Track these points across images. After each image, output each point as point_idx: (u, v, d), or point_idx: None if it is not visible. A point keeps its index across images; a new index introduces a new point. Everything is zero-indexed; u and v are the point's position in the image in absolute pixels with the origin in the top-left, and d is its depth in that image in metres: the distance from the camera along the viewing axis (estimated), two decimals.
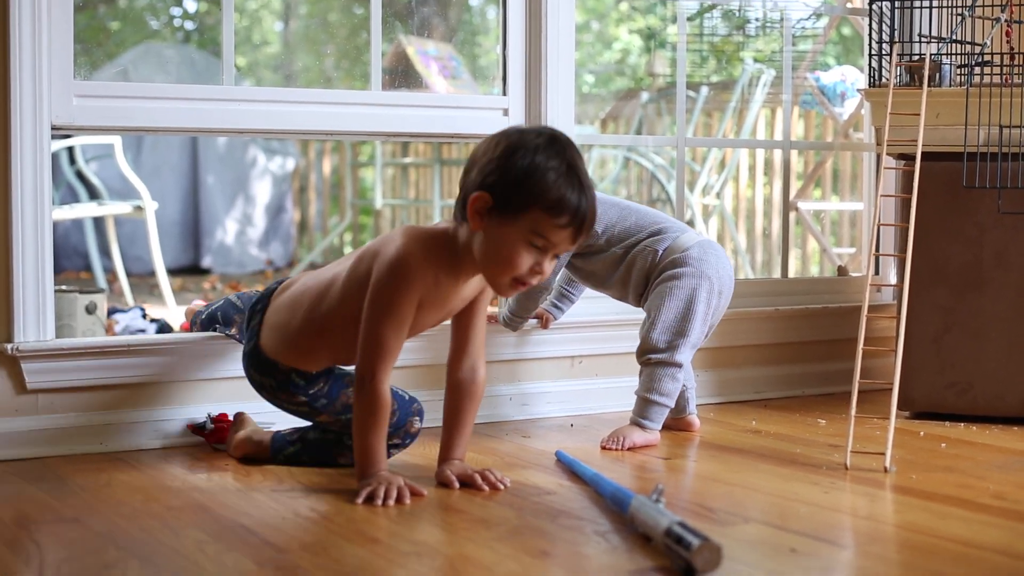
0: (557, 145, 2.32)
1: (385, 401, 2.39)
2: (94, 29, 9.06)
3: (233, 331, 2.89)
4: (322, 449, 2.68)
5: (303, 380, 2.60)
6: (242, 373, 2.96)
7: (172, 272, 7.38)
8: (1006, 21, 3.23)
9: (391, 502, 2.33)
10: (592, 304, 3.36)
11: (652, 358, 2.96)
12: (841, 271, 4.04)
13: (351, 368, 2.58)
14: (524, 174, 2.28)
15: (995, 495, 2.45)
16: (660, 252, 3.01)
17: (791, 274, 4.16)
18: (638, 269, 3.03)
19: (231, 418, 2.87)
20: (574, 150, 2.35)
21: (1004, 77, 3.19)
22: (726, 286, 3.03)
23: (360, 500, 2.34)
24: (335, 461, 2.68)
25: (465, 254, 2.40)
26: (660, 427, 2.97)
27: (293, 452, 2.70)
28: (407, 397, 2.68)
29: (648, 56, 8.47)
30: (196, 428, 2.89)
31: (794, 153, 6.29)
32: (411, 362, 3.11)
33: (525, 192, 2.28)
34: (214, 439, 2.86)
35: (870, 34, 3.32)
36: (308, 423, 2.71)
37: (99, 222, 6.52)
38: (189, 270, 8.36)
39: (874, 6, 3.31)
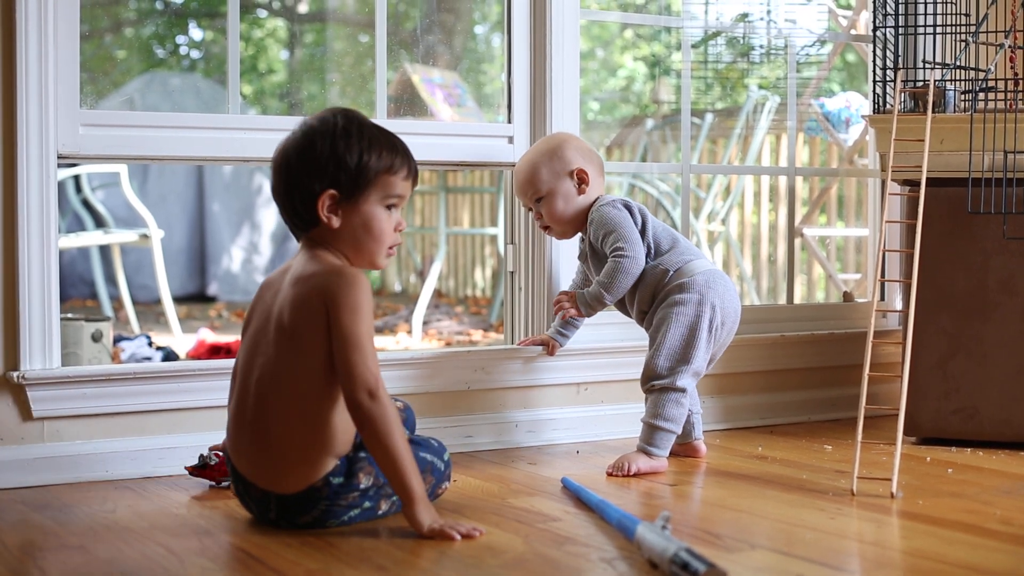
0: (353, 118, 2.45)
1: (391, 412, 2.32)
2: (100, 58, 9.09)
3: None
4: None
5: (339, 476, 2.38)
6: None
7: (178, 300, 7.40)
8: (1010, 47, 3.24)
9: (459, 537, 2.27)
10: (597, 331, 3.37)
11: (655, 384, 2.96)
12: (847, 297, 4.04)
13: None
14: (354, 158, 2.40)
15: (1002, 520, 2.45)
16: (671, 272, 3.01)
17: (797, 300, 4.16)
18: (646, 284, 3.03)
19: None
20: (361, 115, 2.49)
21: (1008, 103, 3.19)
22: (730, 318, 3.03)
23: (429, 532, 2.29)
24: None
25: (337, 253, 2.45)
26: (667, 454, 2.97)
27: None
28: (440, 466, 2.58)
29: (653, 83, 8.49)
30: (196, 469, 2.77)
31: (799, 179, 6.29)
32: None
33: (365, 171, 2.41)
34: (219, 474, 2.75)
35: (874, 60, 3.33)
36: None
37: (105, 250, 6.53)
38: (195, 298, 8.37)
39: (878, 32, 3.32)
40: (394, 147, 2.45)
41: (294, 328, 2.36)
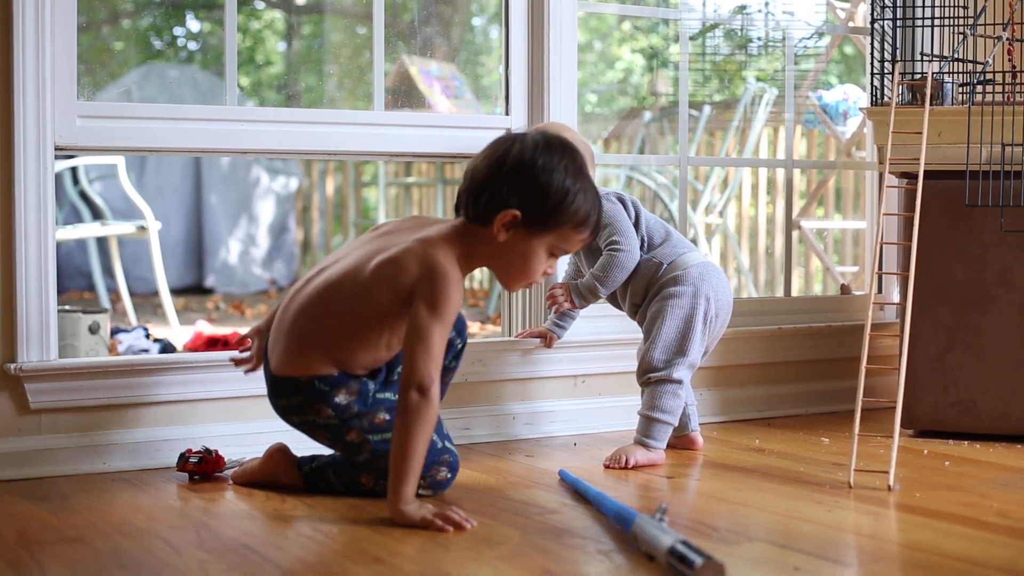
0: (577, 162, 2.50)
1: (433, 414, 2.39)
2: (97, 49, 9.08)
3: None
4: (347, 466, 2.61)
5: (327, 385, 2.53)
6: (245, 393, 2.97)
7: (175, 292, 7.39)
8: (1008, 40, 3.24)
9: (451, 528, 2.30)
10: (594, 324, 3.37)
11: (652, 377, 2.96)
12: (844, 290, 4.04)
13: (386, 394, 2.56)
14: (556, 197, 2.45)
15: (999, 513, 2.45)
16: (665, 265, 3.02)
17: (794, 293, 4.17)
18: (640, 277, 3.04)
19: (213, 454, 2.79)
20: (583, 160, 2.52)
21: (1006, 95, 3.19)
22: (723, 310, 3.04)
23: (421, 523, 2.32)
24: (357, 481, 2.60)
25: (472, 256, 2.51)
26: (664, 446, 2.97)
27: (318, 466, 2.64)
28: (439, 444, 2.61)
29: (650, 75, 8.48)
30: (196, 466, 2.77)
31: (796, 172, 6.29)
32: None
33: (557, 213, 2.46)
34: (211, 467, 2.76)
35: (872, 53, 3.33)
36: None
37: (102, 242, 6.53)
38: (192, 290, 8.37)
39: (876, 25, 3.32)
40: (592, 208, 2.50)
41: (388, 270, 2.46)
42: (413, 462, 2.36)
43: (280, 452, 2.70)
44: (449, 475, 2.60)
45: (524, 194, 2.44)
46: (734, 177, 6.39)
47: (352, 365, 2.54)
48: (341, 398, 2.53)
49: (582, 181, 2.48)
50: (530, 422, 3.30)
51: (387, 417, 2.54)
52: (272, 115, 3.12)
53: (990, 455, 3.05)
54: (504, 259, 2.51)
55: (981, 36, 3.29)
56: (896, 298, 3.88)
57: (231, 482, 2.72)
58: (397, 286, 2.44)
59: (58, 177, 6.23)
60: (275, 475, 2.68)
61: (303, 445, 2.70)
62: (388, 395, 2.57)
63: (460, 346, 2.76)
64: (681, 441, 3.13)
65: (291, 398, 2.55)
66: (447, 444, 2.60)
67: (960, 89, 3.24)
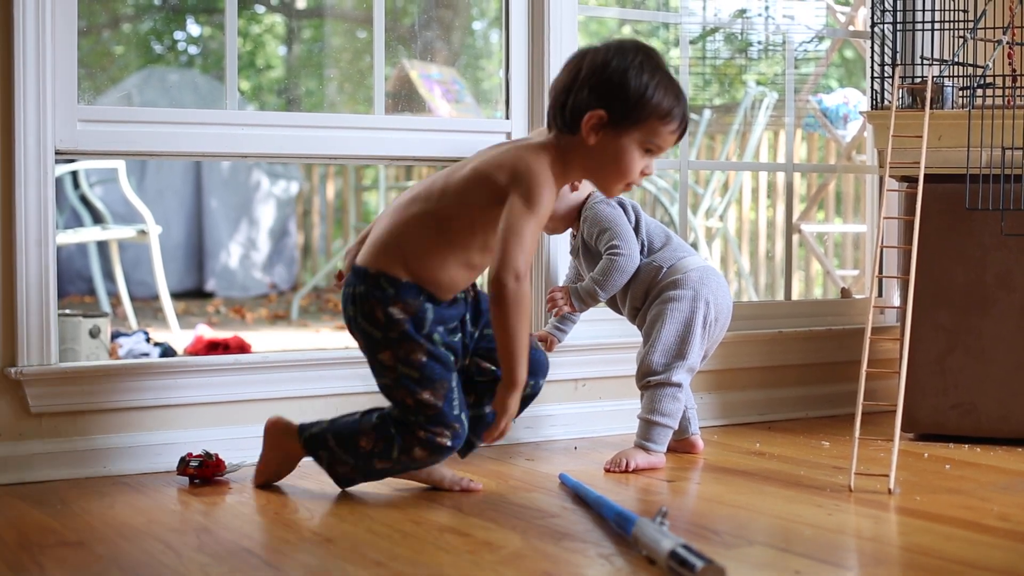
0: (654, 59, 2.54)
1: (526, 311, 2.44)
2: (98, 53, 9.08)
3: None
4: (348, 428, 2.61)
5: (392, 287, 2.53)
6: (246, 397, 2.98)
7: (176, 296, 7.39)
8: (1008, 43, 3.24)
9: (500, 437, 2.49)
10: (594, 327, 3.37)
11: (651, 380, 2.96)
12: (844, 293, 4.04)
13: (435, 333, 2.56)
14: (636, 92, 2.49)
15: (999, 516, 2.45)
16: (664, 269, 3.02)
17: (794, 296, 4.17)
18: (640, 281, 3.04)
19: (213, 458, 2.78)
20: (660, 58, 2.57)
21: (1006, 99, 3.19)
22: (723, 314, 3.04)
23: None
24: (356, 445, 2.59)
25: (569, 166, 2.55)
26: (664, 449, 2.97)
27: (319, 431, 2.65)
28: (455, 412, 2.60)
29: None
30: (196, 469, 2.77)
31: (797, 175, 6.30)
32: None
33: (640, 107, 2.50)
34: (211, 471, 2.76)
35: (872, 56, 3.33)
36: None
37: (103, 246, 6.53)
38: (193, 294, 8.36)
39: (876, 29, 3.32)
40: (676, 99, 2.54)
41: (484, 171, 2.52)
42: (520, 346, 2.44)
43: (274, 424, 2.73)
44: (449, 443, 2.58)
45: (605, 94, 2.49)
46: (734, 181, 6.39)
47: (426, 279, 2.55)
48: (396, 311, 2.53)
49: (660, 75, 2.52)
50: (530, 426, 3.30)
51: (424, 359, 2.54)
52: (273, 119, 3.12)
53: (990, 458, 3.05)
54: (598, 162, 2.54)
55: (981, 40, 3.29)
56: (896, 302, 3.88)
57: (255, 485, 2.73)
58: (492, 186, 2.50)
59: (59, 181, 6.23)
60: (282, 447, 2.70)
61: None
62: (437, 335, 2.56)
63: (529, 391, 2.72)
64: (681, 445, 3.13)
65: (357, 286, 2.57)
66: (462, 415, 2.60)
67: (960, 93, 3.24)
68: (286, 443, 2.70)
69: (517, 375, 2.46)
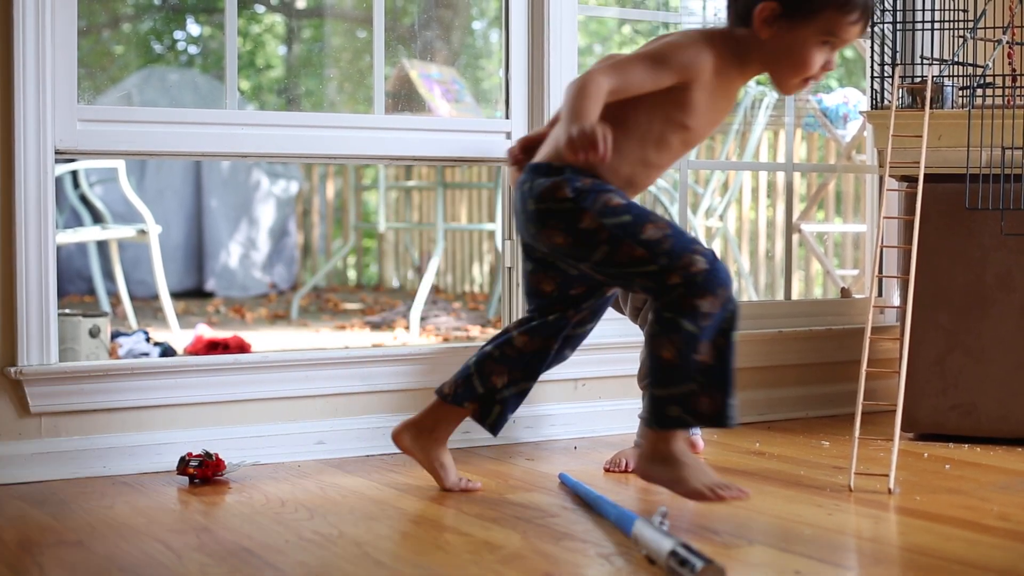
0: None
1: (590, 87, 2.36)
2: (98, 53, 9.08)
3: None
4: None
5: (575, 174, 2.48)
6: (246, 397, 2.97)
7: (176, 295, 7.39)
8: (1008, 43, 3.24)
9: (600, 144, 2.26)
10: (595, 327, 3.36)
11: None
12: (844, 293, 4.04)
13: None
14: None
15: (999, 516, 2.45)
16: None
17: (794, 296, 4.17)
18: None
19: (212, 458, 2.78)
20: None
21: (1006, 99, 3.19)
22: None
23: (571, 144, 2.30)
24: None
25: (746, 62, 2.50)
26: None
27: (505, 396, 2.65)
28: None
29: None
30: (196, 469, 2.76)
31: (797, 175, 6.30)
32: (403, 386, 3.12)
33: None
34: (211, 471, 2.76)
35: (872, 56, 3.33)
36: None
37: (103, 246, 6.53)
38: (193, 293, 8.36)
39: (876, 28, 3.32)
40: None
41: (653, 55, 2.46)
42: (568, 106, 2.34)
43: (402, 432, 2.70)
44: (707, 264, 2.49)
45: None
46: (734, 181, 6.39)
47: (606, 177, 2.49)
48: (581, 183, 2.45)
49: None
50: (530, 426, 3.30)
51: (623, 201, 2.46)
52: (273, 119, 3.12)
53: (990, 458, 3.05)
54: (774, 57, 2.47)
55: (981, 39, 3.29)
56: (896, 301, 3.88)
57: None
58: (677, 62, 2.44)
59: (58, 181, 6.23)
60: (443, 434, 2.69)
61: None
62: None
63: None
64: None
65: (536, 180, 2.50)
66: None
67: (960, 92, 3.24)
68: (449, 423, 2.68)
69: (588, 111, 2.32)
